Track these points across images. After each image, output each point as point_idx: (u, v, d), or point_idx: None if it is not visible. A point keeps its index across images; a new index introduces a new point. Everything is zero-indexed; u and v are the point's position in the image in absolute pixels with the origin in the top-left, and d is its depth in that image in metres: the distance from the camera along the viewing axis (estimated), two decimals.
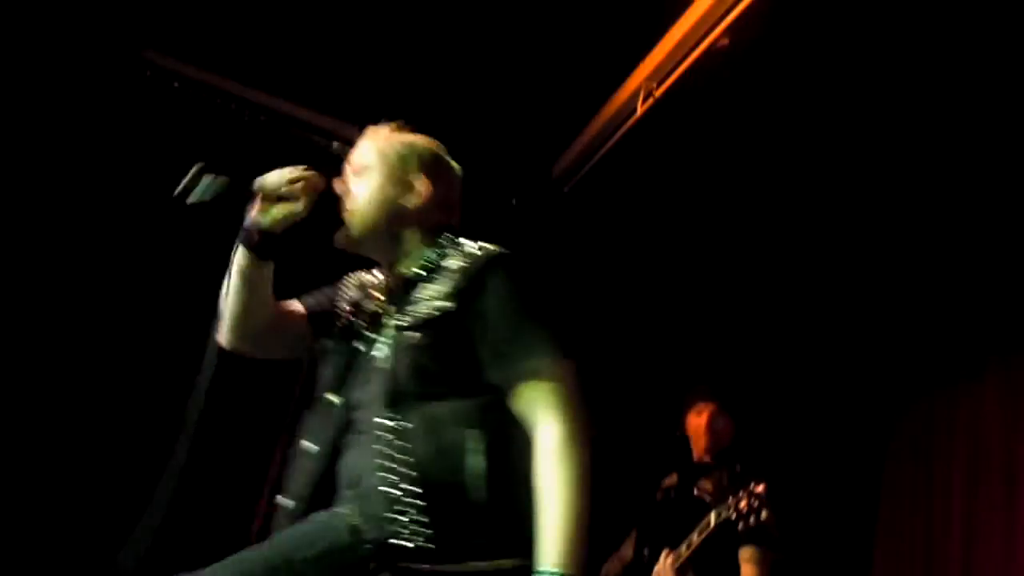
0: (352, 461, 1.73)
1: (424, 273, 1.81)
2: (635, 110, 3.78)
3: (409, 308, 1.78)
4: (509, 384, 1.67)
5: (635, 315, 4.52)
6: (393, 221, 1.87)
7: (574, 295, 4.46)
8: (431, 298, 1.75)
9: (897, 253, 4.05)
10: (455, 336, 1.70)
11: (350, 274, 2.03)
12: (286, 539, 1.67)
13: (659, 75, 3.66)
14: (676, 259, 4.25)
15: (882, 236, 3.99)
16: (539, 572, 1.50)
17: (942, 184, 3.75)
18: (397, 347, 1.74)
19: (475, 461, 1.61)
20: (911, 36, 3.20)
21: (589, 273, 4.48)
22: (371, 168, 1.89)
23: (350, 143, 1.95)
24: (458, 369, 1.69)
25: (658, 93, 3.70)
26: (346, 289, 2.00)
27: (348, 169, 1.93)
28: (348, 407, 1.77)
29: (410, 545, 1.55)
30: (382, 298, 1.89)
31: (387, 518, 1.59)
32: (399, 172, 1.88)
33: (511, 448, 1.63)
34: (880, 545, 4.54)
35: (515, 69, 3.75)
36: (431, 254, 1.84)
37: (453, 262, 1.79)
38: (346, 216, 1.88)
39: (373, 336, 1.83)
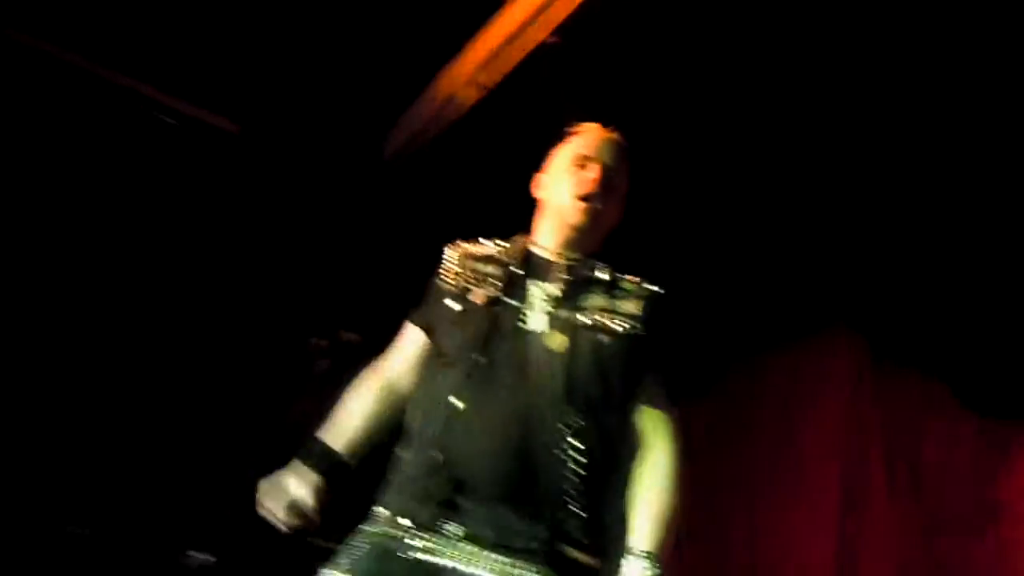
0: (507, 459, 1.72)
1: (604, 280, 1.94)
2: (466, 99, 3.86)
3: (591, 309, 1.88)
4: (652, 405, 1.87)
5: None
6: (604, 235, 2.04)
7: (403, 274, 4.52)
8: (625, 314, 1.88)
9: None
10: (634, 355, 1.85)
11: (449, 255, 2.07)
12: None
13: (491, 67, 3.75)
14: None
15: (691, 222, 4.15)
16: (641, 553, 1.68)
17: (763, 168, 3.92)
18: (579, 342, 1.82)
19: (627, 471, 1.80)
20: (742, 30, 3.34)
21: (417, 253, 4.55)
22: (620, 191, 2.04)
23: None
24: (624, 385, 1.84)
25: (490, 84, 3.79)
26: (460, 266, 2.03)
27: (601, 167, 2.00)
28: (501, 381, 1.77)
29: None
30: (553, 287, 1.92)
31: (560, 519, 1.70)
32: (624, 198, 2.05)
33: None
34: None
35: (350, 51, 3.77)
36: (606, 269, 1.97)
37: (627, 286, 1.94)
38: (590, 210, 1.97)
39: (526, 311, 1.88)
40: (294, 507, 1.86)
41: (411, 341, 2.06)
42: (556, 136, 2.22)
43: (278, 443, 4.34)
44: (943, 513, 4.32)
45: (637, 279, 1.97)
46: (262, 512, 1.87)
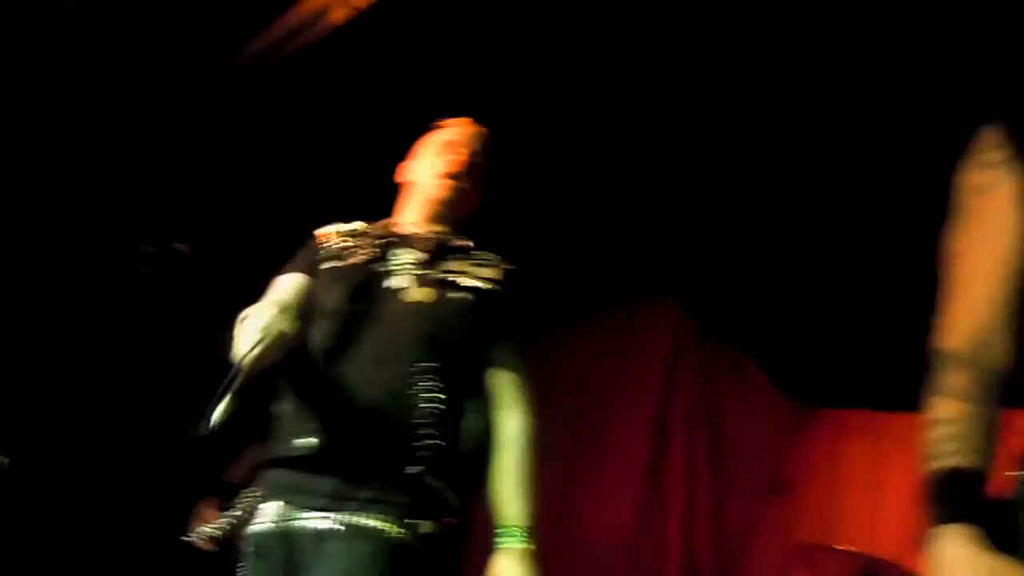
0: (375, 394, 1.84)
1: (465, 247, 2.09)
2: (336, 18, 3.71)
3: (451, 269, 2.01)
4: (504, 367, 1.98)
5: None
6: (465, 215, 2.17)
7: (242, 187, 4.33)
8: (478, 274, 2.02)
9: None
10: (489, 312, 1.99)
11: (324, 230, 2.15)
12: None
13: None
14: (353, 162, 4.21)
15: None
16: (512, 527, 1.82)
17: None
18: (439, 296, 1.96)
19: (473, 422, 1.91)
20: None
21: (261, 167, 4.36)
22: (482, 178, 2.19)
23: None
24: (479, 337, 1.96)
25: (362, 5, 3.66)
26: (333, 236, 2.13)
27: (468, 152, 2.16)
28: (372, 331, 1.90)
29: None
30: (419, 251, 2.05)
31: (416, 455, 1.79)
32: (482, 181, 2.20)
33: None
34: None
35: None
36: (468, 240, 2.13)
37: (487, 256, 2.09)
38: (456, 187, 2.12)
39: (394, 272, 2.01)
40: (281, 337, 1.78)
41: (293, 279, 2.08)
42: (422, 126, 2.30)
43: (98, 346, 4.14)
44: (737, 481, 4.62)
45: (496, 256, 2.14)
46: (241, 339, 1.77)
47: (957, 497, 1.16)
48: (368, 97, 4.08)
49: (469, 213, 2.21)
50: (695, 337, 4.78)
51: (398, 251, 2.04)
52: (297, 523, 1.76)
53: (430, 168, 2.15)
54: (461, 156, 2.15)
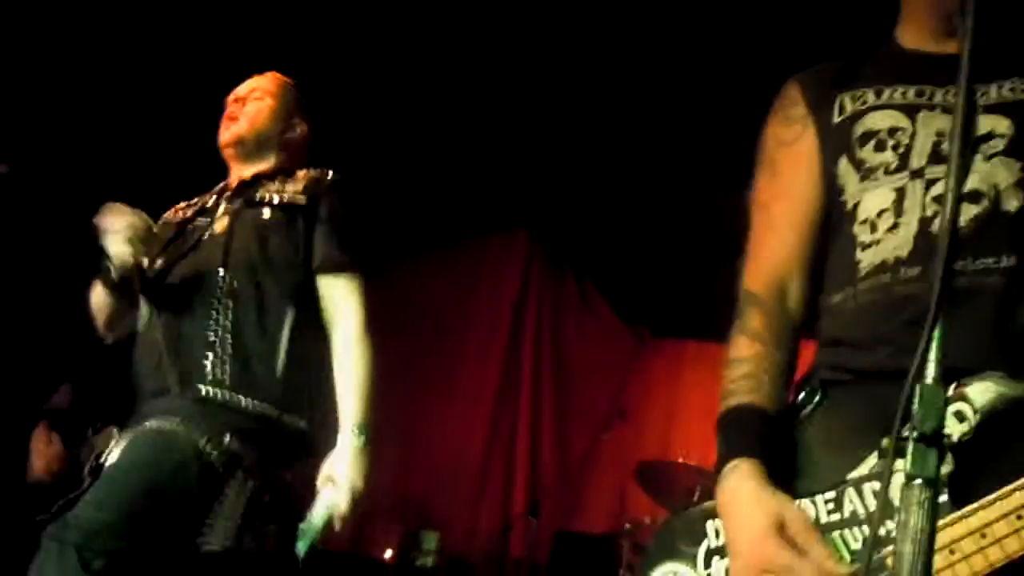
0: (187, 324, 1.94)
1: (272, 175, 2.14)
2: None
3: (257, 195, 2.08)
4: (325, 269, 2.00)
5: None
6: (270, 143, 2.20)
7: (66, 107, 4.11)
8: (284, 191, 2.08)
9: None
10: (297, 224, 2.02)
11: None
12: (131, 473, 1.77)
13: None
14: None
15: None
16: (352, 425, 1.85)
17: None
18: (239, 220, 2.04)
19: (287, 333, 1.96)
20: None
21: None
22: (269, 96, 2.24)
23: None
24: (287, 249, 2.00)
25: None
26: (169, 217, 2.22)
27: (246, 91, 2.24)
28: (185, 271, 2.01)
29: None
30: (227, 194, 2.15)
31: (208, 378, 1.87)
32: (289, 108, 2.25)
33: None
34: None
35: None
36: (279, 169, 2.18)
37: (298, 175, 2.14)
38: (228, 132, 2.17)
39: (209, 220, 2.10)
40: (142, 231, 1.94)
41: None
42: None
43: None
44: (581, 407, 4.80)
45: (309, 170, 2.19)
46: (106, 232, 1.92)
47: (742, 433, 1.20)
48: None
49: (262, 135, 2.22)
50: (544, 268, 4.89)
51: (221, 203, 2.15)
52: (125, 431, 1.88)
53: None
54: (230, 108, 2.25)
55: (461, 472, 4.56)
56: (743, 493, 1.14)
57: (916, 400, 0.84)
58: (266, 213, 2.03)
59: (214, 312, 1.94)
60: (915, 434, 0.84)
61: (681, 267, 4.45)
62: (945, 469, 1.01)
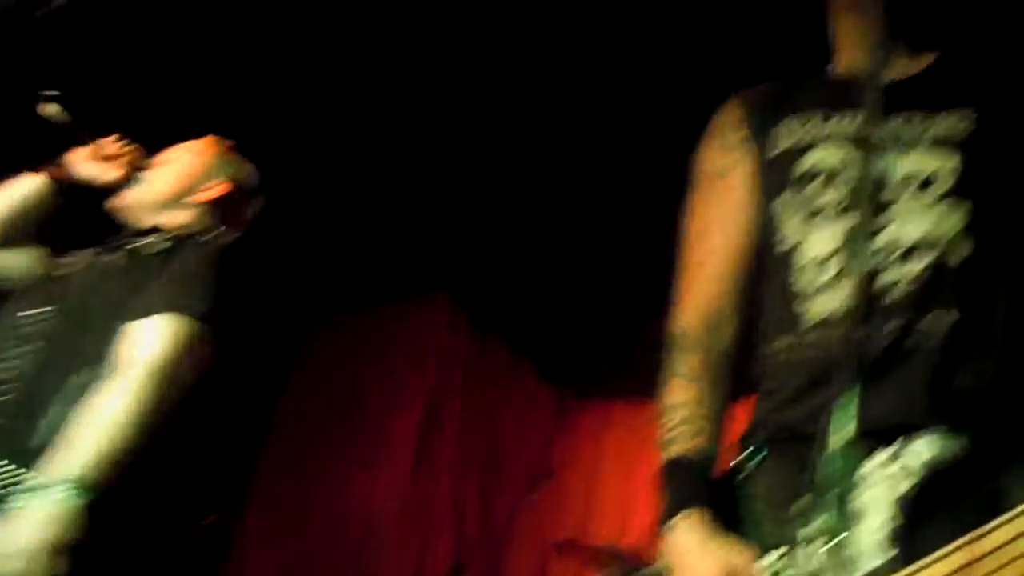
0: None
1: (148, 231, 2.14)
2: None
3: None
4: (148, 314, 1.85)
5: None
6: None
7: None
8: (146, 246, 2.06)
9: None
10: (137, 273, 1.98)
11: None
12: None
13: None
14: None
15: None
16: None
17: None
18: (94, 273, 2.03)
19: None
20: None
21: None
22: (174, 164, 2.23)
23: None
24: (125, 300, 1.90)
25: None
26: None
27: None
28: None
29: None
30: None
31: None
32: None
33: None
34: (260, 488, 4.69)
35: None
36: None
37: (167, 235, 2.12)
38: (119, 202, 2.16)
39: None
40: None
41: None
42: None
43: None
44: (505, 473, 4.75)
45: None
46: None
47: (685, 484, 1.19)
48: None
49: (159, 203, 2.18)
50: (468, 331, 4.86)
51: None
52: None
53: None
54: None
55: (379, 539, 4.45)
56: (693, 544, 1.13)
57: (832, 462, 0.87)
58: (118, 264, 2.03)
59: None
60: (830, 494, 0.85)
61: (607, 328, 4.47)
62: (892, 524, 1.02)
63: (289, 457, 4.61)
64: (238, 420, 4.44)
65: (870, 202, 1.19)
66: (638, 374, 4.48)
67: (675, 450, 1.23)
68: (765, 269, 1.27)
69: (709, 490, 1.19)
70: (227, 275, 2.05)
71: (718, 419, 1.25)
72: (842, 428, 0.91)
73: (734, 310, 1.30)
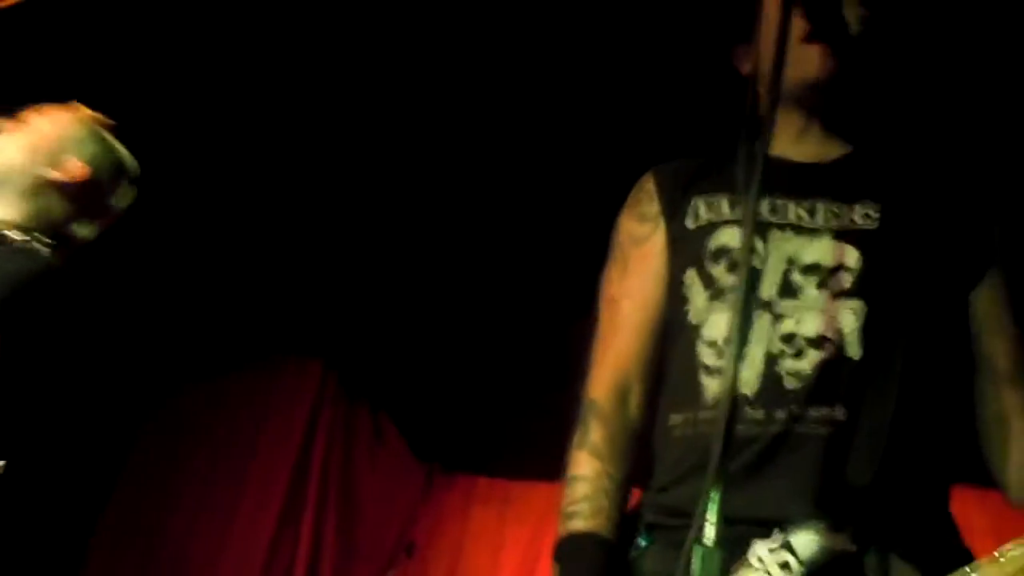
0: None
1: None
2: None
3: None
4: None
5: None
6: None
7: None
8: None
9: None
10: None
11: None
12: None
13: None
14: None
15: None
16: None
17: None
18: None
19: None
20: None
21: None
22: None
23: None
24: None
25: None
26: None
27: None
28: None
29: None
30: None
31: None
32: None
33: None
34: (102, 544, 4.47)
35: None
36: None
37: None
38: None
39: None
40: None
41: None
42: None
43: None
44: (367, 546, 4.63)
45: None
46: None
47: (580, 562, 1.18)
48: None
49: None
50: (337, 398, 4.77)
51: None
52: None
53: None
54: None
55: None
56: None
57: (696, 562, 0.84)
58: None
59: None
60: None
61: (475, 403, 4.46)
62: None
63: (134, 525, 4.41)
64: (75, 488, 4.24)
65: (772, 289, 1.21)
66: (506, 451, 4.51)
67: (574, 526, 1.22)
68: (672, 342, 1.28)
69: (604, 569, 1.18)
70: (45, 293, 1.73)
71: (620, 496, 1.25)
72: (718, 517, 0.90)
73: (644, 378, 1.31)
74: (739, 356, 1.18)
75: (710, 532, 0.87)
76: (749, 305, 1.18)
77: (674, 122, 2.93)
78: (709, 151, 1.40)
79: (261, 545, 4.40)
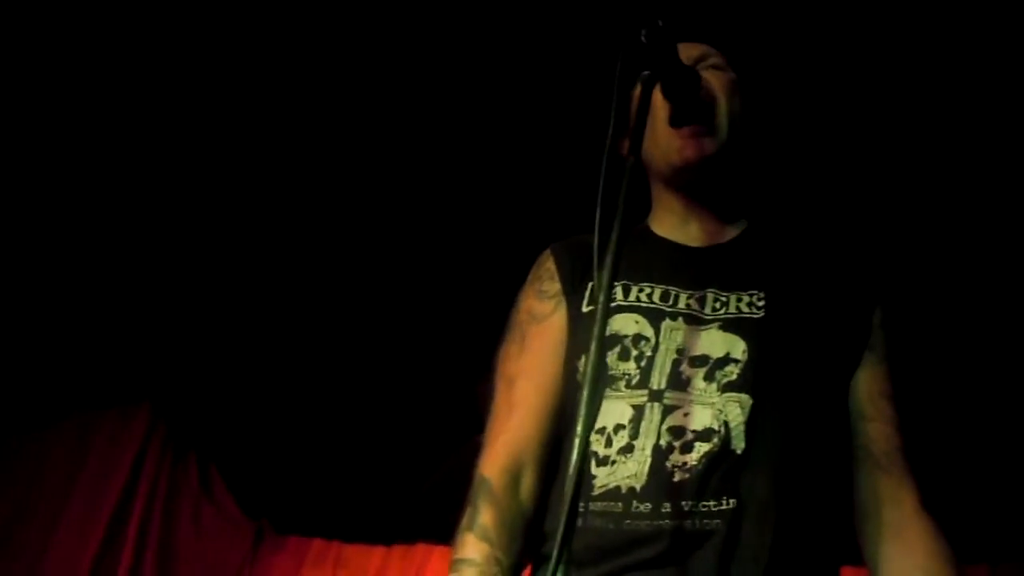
0: None
1: None
2: None
3: None
4: None
5: None
6: None
7: None
8: None
9: None
10: None
11: None
12: None
13: None
14: None
15: None
16: None
17: None
18: None
19: None
20: None
21: None
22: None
23: None
24: None
25: None
26: None
27: None
28: None
29: None
30: None
31: None
32: None
33: None
34: None
35: None
36: None
37: None
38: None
39: None
40: None
41: None
42: None
43: None
44: None
45: None
46: None
47: None
48: None
49: None
50: (164, 447, 4.53)
51: None
52: None
53: None
54: None
55: None
56: None
57: None
58: None
59: None
60: None
61: (311, 463, 4.31)
62: None
63: None
64: None
65: (662, 379, 1.20)
66: (338, 513, 4.36)
67: None
68: (566, 428, 1.24)
69: None
70: None
71: None
72: None
73: (537, 461, 1.27)
74: (631, 448, 1.16)
75: None
76: (650, 398, 1.19)
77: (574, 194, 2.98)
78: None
79: None
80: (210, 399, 4.42)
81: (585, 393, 0.94)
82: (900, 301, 1.36)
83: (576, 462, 0.92)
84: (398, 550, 4.40)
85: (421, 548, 4.31)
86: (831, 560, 1.22)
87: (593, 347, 0.97)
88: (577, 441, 0.91)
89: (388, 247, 3.55)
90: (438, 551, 4.10)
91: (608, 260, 0.98)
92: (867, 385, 1.26)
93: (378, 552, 4.47)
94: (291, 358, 4.06)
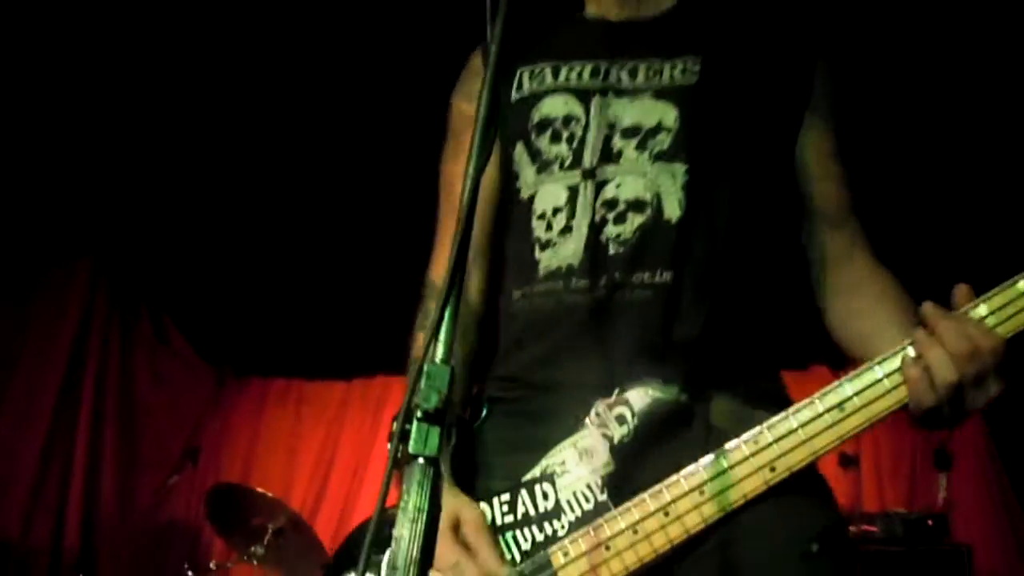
0: None
1: None
2: None
3: None
4: None
5: None
6: None
7: None
8: None
9: None
10: None
11: None
12: None
13: None
14: None
15: None
16: None
17: None
18: None
19: None
20: None
21: None
22: None
23: None
24: None
25: None
26: None
27: None
28: None
29: None
30: None
31: None
32: None
33: None
34: None
35: None
36: None
37: None
38: None
39: None
40: None
41: None
42: None
43: None
44: (148, 450, 4.45)
45: None
46: None
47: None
48: None
49: None
50: (112, 301, 4.49)
51: None
52: None
53: None
54: None
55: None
56: None
57: (423, 379, 0.84)
58: None
59: None
60: (419, 413, 0.82)
61: (265, 304, 4.34)
62: (606, 469, 1.09)
63: None
64: None
65: (594, 156, 1.20)
66: (300, 351, 4.43)
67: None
68: (507, 218, 1.27)
69: (441, 444, 1.19)
70: None
71: (463, 375, 1.24)
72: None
73: (483, 259, 1.30)
74: (570, 227, 1.18)
75: (439, 351, 0.87)
76: (583, 175, 1.19)
77: None
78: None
79: (33, 453, 4.14)
80: (154, 249, 4.34)
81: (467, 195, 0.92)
82: (844, 50, 1.33)
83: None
84: (358, 384, 4.55)
85: (380, 380, 4.44)
86: (767, 327, 1.23)
87: (475, 151, 0.94)
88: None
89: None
90: (397, 382, 4.20)
91: (493, 49, 0.93)
92: (814, 144, 1.26)
93: (339, 387, 4.60)
94: (238, 198, 3.97)
